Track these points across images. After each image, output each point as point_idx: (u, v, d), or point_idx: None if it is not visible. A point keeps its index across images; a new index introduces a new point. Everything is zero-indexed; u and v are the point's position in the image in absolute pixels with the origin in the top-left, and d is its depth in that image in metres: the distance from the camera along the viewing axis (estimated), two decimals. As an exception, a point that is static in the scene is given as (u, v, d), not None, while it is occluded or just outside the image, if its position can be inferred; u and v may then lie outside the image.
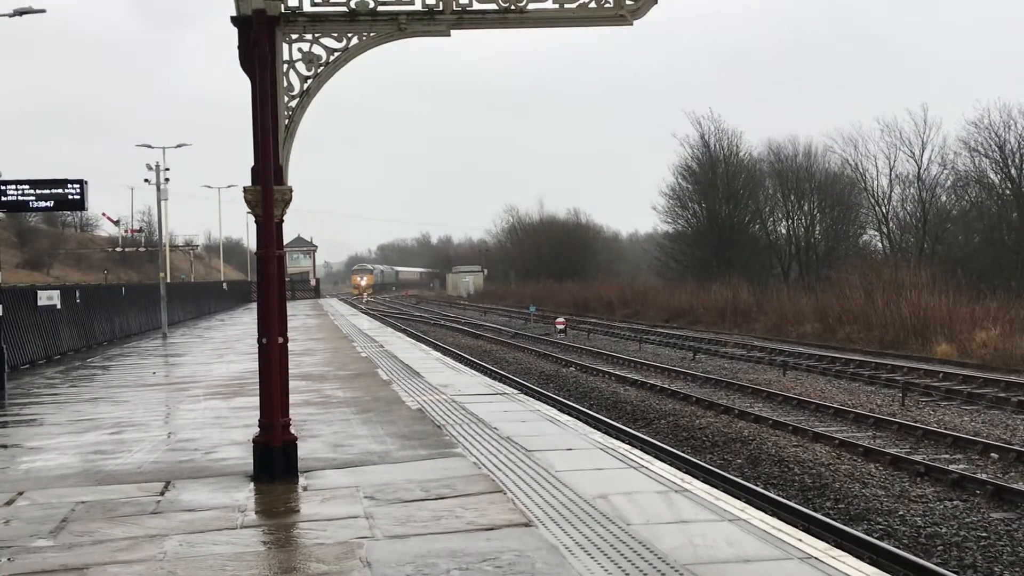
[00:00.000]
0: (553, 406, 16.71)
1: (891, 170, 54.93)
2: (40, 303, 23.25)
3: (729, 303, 46.44)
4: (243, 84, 8.86)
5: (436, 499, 8.02)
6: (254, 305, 10.20)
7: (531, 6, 9.07)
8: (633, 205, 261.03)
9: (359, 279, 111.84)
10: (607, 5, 9.08)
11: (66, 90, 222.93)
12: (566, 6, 9.08)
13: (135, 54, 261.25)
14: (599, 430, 13.65)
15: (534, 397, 17.85)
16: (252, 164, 8.84)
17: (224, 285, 67.26)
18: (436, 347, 31.95)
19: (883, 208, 55.71)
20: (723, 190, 61.51)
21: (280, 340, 8.93)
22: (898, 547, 9.98)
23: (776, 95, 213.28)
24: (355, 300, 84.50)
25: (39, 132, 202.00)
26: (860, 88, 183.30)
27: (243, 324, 39.98)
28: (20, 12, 28.53)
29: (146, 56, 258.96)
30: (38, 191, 17.91)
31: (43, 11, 28.90)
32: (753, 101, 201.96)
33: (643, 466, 9.33)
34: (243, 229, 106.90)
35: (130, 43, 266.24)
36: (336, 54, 9.02)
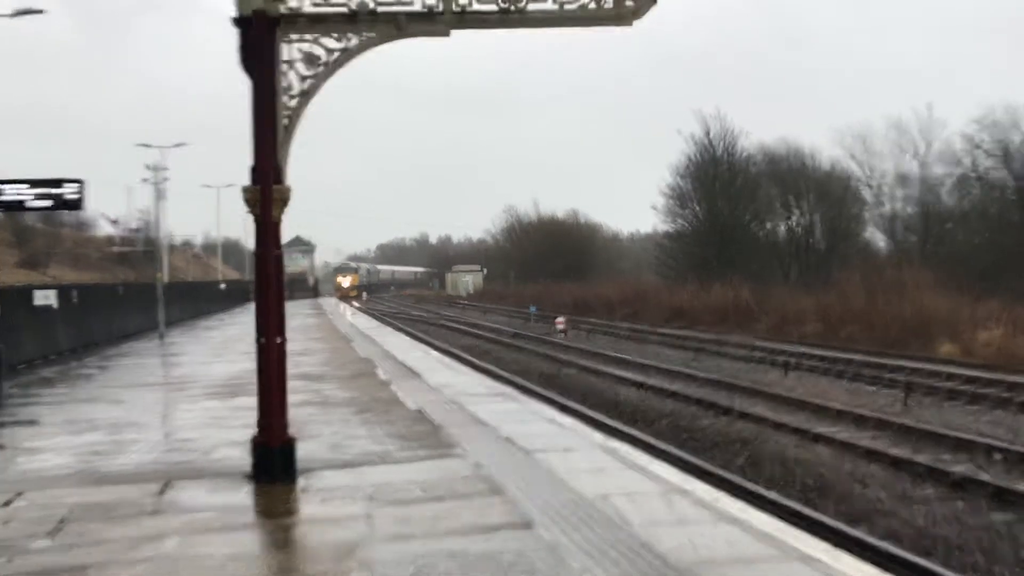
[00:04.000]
0: (553, 407, 16.67)
1: (895, 168, 55.06)
2: (37, 303, 23.21)
3: (730, 303, 46.39)
4: (242, 83, 8.84)
5: (435, 500, 7.99)
6: (252, 305, 10.16)
7: (531, 7, 9.05)
8: (634, 204, 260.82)
9: (342, 279, 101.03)
10: (607, 6, 9.06)
11: (46, 92, 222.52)
12: (566, 7, 9.06)
13: (125, 53, 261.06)
14: (599, 431, 13.61)
15: (534, 397, 17.82)
16: (251, 164, 8.82)
17: (222, 285, 67.18)
18: (435, 347, 31.91)
19: (886, 206, 55.82)
20: (724, 189, 61.54)
21: (278, 340, 8.91)
22: (900, 548, 9.95)
23: (774, 96, 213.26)
24: (353, 300, 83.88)
25: (30, 134, 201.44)
26: (860, 88, 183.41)
27: (241, 324, 39.95)
28: (20, 12, 28.51)
29: (139, 55, 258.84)
30: (36, 191, 17.89)
31: (42, 11, 28.89)
32: (752, 101, 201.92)
33: (643, 467, 9.31)
34: (241, 229, 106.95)
35: (117, 42, 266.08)
36: (336, 54, 9.00)
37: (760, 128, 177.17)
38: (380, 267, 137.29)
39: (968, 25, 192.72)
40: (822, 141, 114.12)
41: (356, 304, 73.40)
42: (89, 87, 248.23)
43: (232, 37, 8.85)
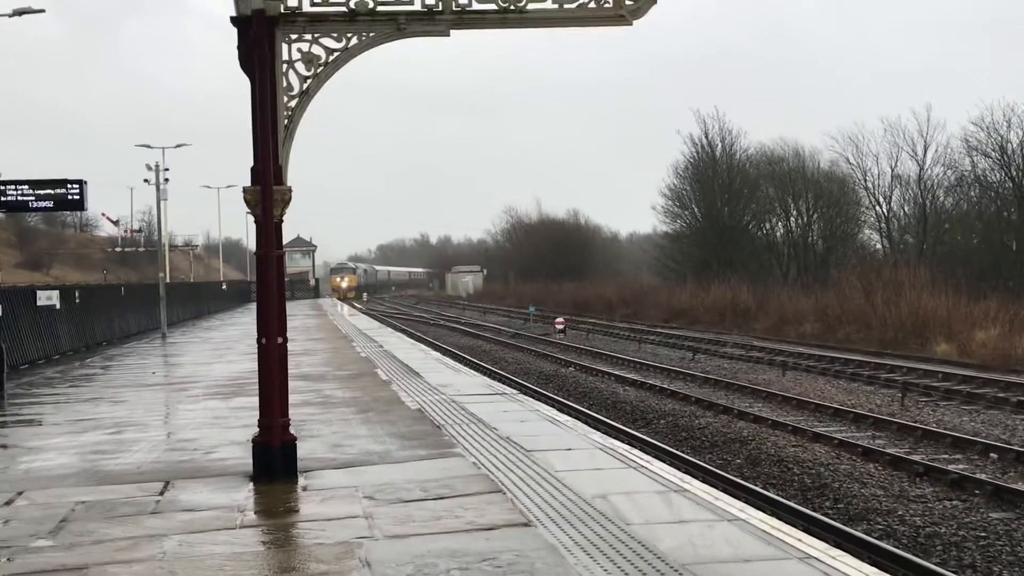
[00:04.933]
0: (552, 406, 16.71)
1: (892, 169, 55.04)
2: (39, 303, 23.26)
3: (728, 303, 46.45)
4: (241, 84, 8.86)
5: (435, 499, 8.02)
6: (253, 305, 10.20)
7: (530, 6, 9.07)
8: (633, 205, 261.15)
9: (339, 280, 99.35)
10: (607, 5, 9.08)
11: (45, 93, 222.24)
12: (565, 6, 9.07)
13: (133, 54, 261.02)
14: (598, 430, 13.65)
15: (533, 397, 17.85)
16: (252, 164, 8.84)
17: (223, 285, 67.21)
18: (435, 347, 31.96)
19: (883, 207, 55.82)
20: (723, 190, 61.57)
21: (279, 340, 8.93)
22: (897, 547, 9.99)
23: (773, 97, 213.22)
24: (355, 301, 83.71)
25: (26, 136, 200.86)
26: (858, 89, 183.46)
27: (242, 324, 39.97)
28: (19, 12, 28.53)
29: (137, 56, 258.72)
30: (38, 191, 17.94)
31: (42, 11, 28.91)
32: (752, 102, 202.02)
33: (642, 466, 9.33)
34: (242, 229, 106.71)
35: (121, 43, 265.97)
36: (336, 54, 9.01)
37: (759, 129, 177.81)
38: (380, 268, 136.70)
39: (967, 25, 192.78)
40: (820, 142, 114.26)
41: (358, 305, 73.27)
42: (90, 91, 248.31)
43: (231, 38, 8.88)
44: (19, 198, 17.88)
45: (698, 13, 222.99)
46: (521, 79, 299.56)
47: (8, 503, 8.40)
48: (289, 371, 9.32)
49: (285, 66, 8.93)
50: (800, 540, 6.79)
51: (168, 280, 39.67)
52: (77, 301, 26.90)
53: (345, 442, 10.93)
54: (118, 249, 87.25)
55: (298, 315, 47.29)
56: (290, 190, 9.02)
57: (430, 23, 9.11)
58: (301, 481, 8.89)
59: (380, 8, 9.02)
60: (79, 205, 18.55)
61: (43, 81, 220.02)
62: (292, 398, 9.60)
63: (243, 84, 8.83)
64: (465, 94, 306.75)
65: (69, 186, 18.02)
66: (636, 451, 10.64)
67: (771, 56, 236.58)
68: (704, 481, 10.60)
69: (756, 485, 12.94)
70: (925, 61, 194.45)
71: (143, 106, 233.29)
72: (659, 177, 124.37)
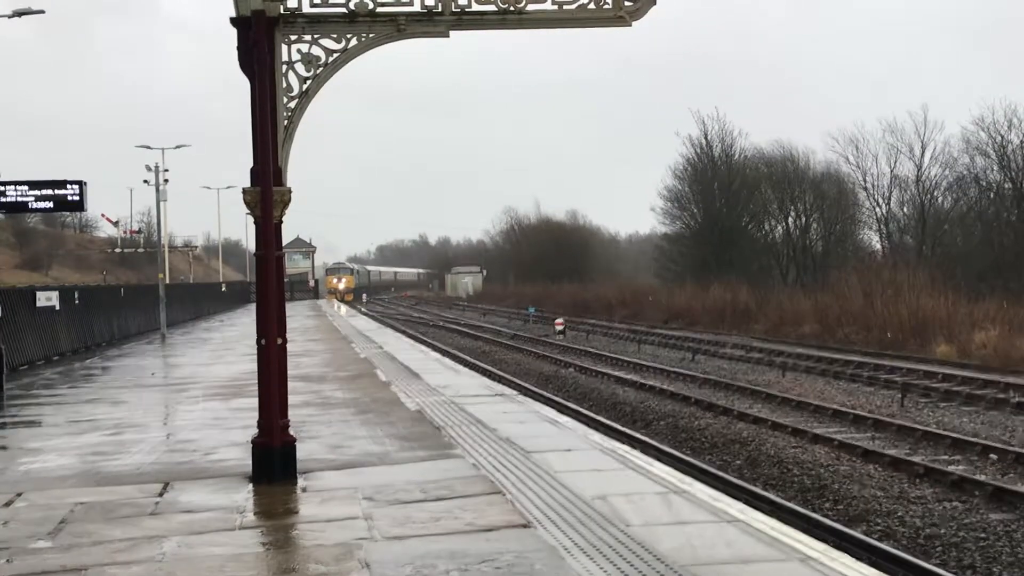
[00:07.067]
0: (552, 407, 16.69)
1: (891, 170, 55.01)
2: (39, 304, 23.24)
3: (728, 304, 46.45)
4: (241, 86, 8.86)
5: (435, 500, 8.01)
6: (253, 306, 10.20)
7: (530, 7, 9.07)
8: (633, 206, 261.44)
9: (335, 281, 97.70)
10: (606, 6, 9.08)
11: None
12: (565, 7, 9.07)
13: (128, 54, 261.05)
14: (598, 431, 13.64)
15: (533, 398, 17.84)
16: (251, 165, 8.84)
17: (223, 286, 67.15)
18: (435, 348, 31.95)
19: (882, 209, 55.82)
20: (722, 191, 61.58)
21: (279, 341, 8.92)
22: (897, 548, 9.99)
23: (773, 98, 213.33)
24: (358, 305, 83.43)
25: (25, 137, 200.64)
26: (858, 90, 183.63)
27: (242, 325, 39.95)
28: (19, 13, 28.54)
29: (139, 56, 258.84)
30: (37, 192, 17.94)
31: (42, 12, 28.91)
32: (752, 103, 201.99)
33: (642, 467, 9.32)
34: (242, 230, 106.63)
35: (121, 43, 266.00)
36: (335, 55, 9.01)
37: (757, 131, 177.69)
38: (379, 268, 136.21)
39: (967, 26, 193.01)
40: (820, 143, 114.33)
41: (358, 307, 73.21)
42: (87, 94, 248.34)
43: (222, 38, 8.87)
44: (19, 199, 17.87)
45: (698, 14, 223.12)
46: (521, 79, 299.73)
47: (7, 504, 8.39)
48: (288, 372, 9.32)
49: (285, 67, 8.93)
50: (800, 541, 6.78)
51: (168, 281, 39.63)
52: (77, 302, 26.86)
53: (345, 443, 10.93)
54: (117, 250, 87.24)
55: (297, 316, 47.25)
56: (290, 191, 9.02)
57: (429, 24, 9.11)
58: (300, 482, 8.88)
59: (380, 9, 9.02)
60: (79, 206, 18.55)
61: (37, 84, 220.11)
62: (291, 399, 9.60)
63: (243, 86, 8.84)
64: (465, 94, 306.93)
65: (69, 187, 18.02)
66: (636, 452, 10.64)
67: (770, 57, 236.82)
68: (704, 482, 10.59)
69: (756, 486, 12.94)
70: (925, 61, 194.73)
71: (140, 109, 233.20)
72: (658, 178, 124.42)
